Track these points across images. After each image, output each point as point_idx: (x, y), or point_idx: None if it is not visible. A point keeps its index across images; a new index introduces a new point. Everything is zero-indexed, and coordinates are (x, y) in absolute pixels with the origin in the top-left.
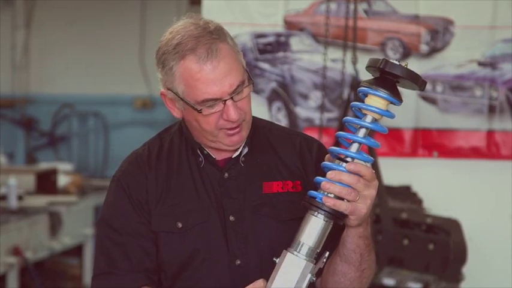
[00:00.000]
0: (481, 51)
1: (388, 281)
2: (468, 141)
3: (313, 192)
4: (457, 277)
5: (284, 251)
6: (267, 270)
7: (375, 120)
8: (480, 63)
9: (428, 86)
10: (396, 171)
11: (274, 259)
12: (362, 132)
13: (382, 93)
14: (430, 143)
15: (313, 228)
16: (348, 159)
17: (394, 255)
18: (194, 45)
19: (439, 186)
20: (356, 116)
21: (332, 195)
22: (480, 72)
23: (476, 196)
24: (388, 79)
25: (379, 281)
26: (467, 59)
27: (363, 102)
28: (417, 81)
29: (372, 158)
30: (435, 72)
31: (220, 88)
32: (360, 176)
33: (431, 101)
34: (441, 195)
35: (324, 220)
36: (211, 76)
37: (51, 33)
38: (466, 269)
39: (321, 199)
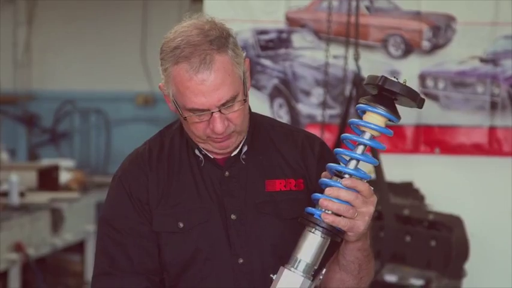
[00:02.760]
0: (483, 48)
1: (390, 277)
2: (470, 138)
3: (311, 209)
4: (459, 273)
5: (281, 267)
6: (269, 269)
7: (373, 137)
8: (482, 60)
9: (430, 83)
10: (398, 167)
11: (271, 276)
12: (360, 149)
13: (381, 110)
14: (432, 139)
15: (311, 244)
16: (346, 176)
17: (396, 252)
18: (189, 53)
19: (441, 183)
20: (354, 133)
21: (330, 212)
22: (482, 69)
23: (478, 193)
24: (386, 96)
25: (381, 277)
26: (469, 56)
27: (361, 119)
28: (415, 99)
29: (369, 175)
30: (437, 69)
31: (208, 100)
32: (358, 192)
33: (433, 97)
34: (443, 191)
35: (321, 237)
36: (200, 87)
37: (53, 30)
38: (468, 266)
39: (319, 216)
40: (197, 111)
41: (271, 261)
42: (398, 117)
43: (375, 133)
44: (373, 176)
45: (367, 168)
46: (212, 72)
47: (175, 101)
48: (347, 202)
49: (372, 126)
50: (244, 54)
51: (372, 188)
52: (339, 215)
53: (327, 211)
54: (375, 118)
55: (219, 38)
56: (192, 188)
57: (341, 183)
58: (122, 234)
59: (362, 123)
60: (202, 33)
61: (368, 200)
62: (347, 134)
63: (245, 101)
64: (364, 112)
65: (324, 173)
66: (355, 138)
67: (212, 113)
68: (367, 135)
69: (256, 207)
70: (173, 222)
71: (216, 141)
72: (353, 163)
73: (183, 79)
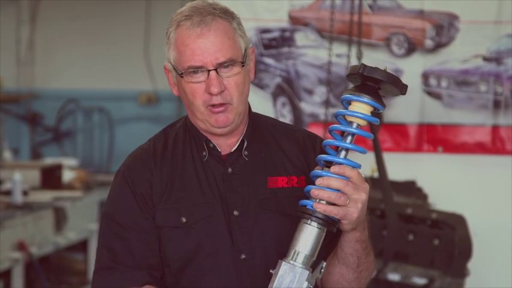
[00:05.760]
0: (486, 46)
1: (393, 276)
2: (473, 137)
3: (304, 201)
4: (462, 272)
5: (279, 260)
6: (272, 265)
7: (359, 127)
8: (485, 58)
9: (433, 81)
10: (401, 166)
11: (270, 271)
12: (348, 138)
13: (366, 98)
14: (435, 138)
15: (307, 236)
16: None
17: (399, 251)
18: (192, 12)
19: (444, 182)
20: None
21: (324, 202)
22: (485, 67)
23: (481, 191)
24: (370, 86)
25: (384, 276)
26: (472, 54)
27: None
28: (397, 85)
29: (359, 164)
30: (440, 68)
31: (206, 57)
32: (348, 179)
33: (436, 96)
34: (446, 190)
35: (317, 227)
36: (198, 43)
37: (56, 28)
38: (471, 264)
39: (312, 206)
40: (193, 68)
41: (273, 257)
42: (383, 105)
43: (362, 122)
44: (375, 174)
45: (370, 167)
46: (212, 30)
47: (176, 67)
48: (338, 190)
49: (359, 115)
50: (250, 44)
51: (363, 176)
52: (332, 204)
53: (320, 201)
54: (360, 107)
55: (224, 10)
56: (195, 183)
57: (330, 172)
58: (124, 229)
59: (348, 112)
60: (208, 3)
61: (359, 187)
62: (334, 125)
63: (243, 65)
64: (349, 103)
65: (316, 167)
66: (342, 128)
67: (209, 71)
68: (354, 125)
69: (258, 204)
70: (176, 217)
71: (214, 111)
72: (342, 153)
73: (183, 37)
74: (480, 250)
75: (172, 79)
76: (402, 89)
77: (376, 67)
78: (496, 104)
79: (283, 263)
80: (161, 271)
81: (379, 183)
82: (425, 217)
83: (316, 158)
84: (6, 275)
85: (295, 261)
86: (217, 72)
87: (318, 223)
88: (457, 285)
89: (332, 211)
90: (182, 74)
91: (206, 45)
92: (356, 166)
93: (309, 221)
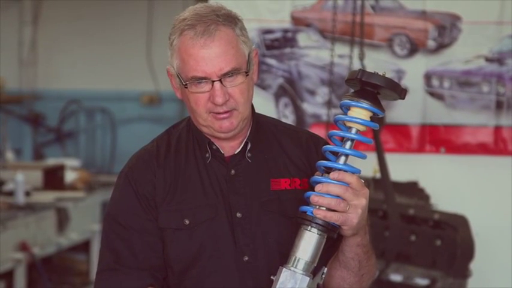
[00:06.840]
0: (489, 47)
1: (395, 276)
2: (475, 137)
3: (304, 207)
4: (465, 273)
5: (280, 267)
6: (275, 267)
7: (359, 132)
8: (487, 59)
9: (436, 82)
10: (403, 167)
11: (271, 277)
12: (348, 144)
13: (364, 104)
14: (437, 138)
15: (308, 242)
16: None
17: (401, 251)
18: (196, 21)
19: (446, 182)
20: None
21: (324, 208)
22: (487, 68)
23: (483, 192)
24: (369, 91)
25: (386, 276)
26: (475, 55)
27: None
28: (396, 89)
29: (359, 169)
30: (442, 68)
31: (210, 68)
32: (348, 185)
33: (439, 96)
34: (448, 191)
35: (317, 234)
36: (202, 53)
37: (59, 29)
38: (473, 265)
39: (312, 212)
40: (198, 79)
41: (276, 258)
42: (382, 110)
43: (361, 127)
44: (378, 175)
45: (372, 167)
46: (215, 40)
47: (180, 75)
48: (338, 196)
49: (358, 120)
50: (253, 46)
51: (363, 181)
52: (332, 210)
53: (320, 207)
54: (359, 113)
55: (227, 16)
56: (198, 185)
57: (329, 178)
58: (127, 230)
59: (348, 118)
60: (211, 9)
61: (359, 192)
62: (333, 131)
63: (247, 74)
64: (348, 108)
65: (316, 173)
66: (341, 133)
67: (213, 82)
68: (353, 131)
69: (261, 206)
70: (179, 218)
71: (218, 117)
72: (342, 159)
73: (187, 47)
74: (482, 251)
75: (175, 84)
76: (401, 93)
77: (374, 72)
78: (499, 105)
79: (284, 269)
80: (164, 272)
81: (381, 184)
82: (428, 218)
83: (316, 164)
84: (9, 275)
85: (295, 267)
86: (221, 83)
87: (318, 229)
88: (459, 285)
89: (332, 217)
90: (186, 84)
91: (210, 56)
92: (356, 172)
93: (309, 227)
